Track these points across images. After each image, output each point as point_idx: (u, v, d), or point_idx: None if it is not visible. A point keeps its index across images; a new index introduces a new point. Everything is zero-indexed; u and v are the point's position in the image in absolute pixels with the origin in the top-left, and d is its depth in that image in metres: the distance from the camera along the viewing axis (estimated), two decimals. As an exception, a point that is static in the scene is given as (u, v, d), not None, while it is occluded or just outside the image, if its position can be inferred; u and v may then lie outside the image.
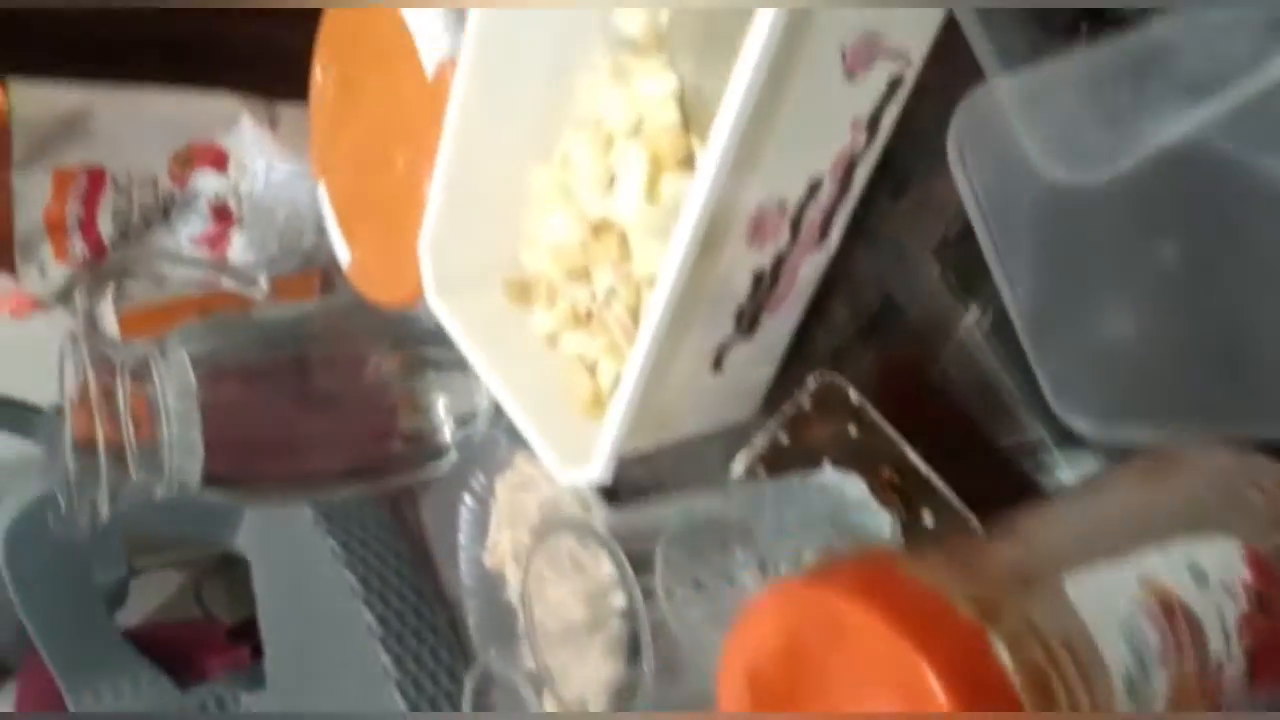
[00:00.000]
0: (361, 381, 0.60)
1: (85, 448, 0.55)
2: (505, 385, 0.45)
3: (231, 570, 1.23)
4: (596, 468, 0.41)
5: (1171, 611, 0.23)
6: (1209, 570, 0.25)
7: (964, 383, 0.44)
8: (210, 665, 1.08)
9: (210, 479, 0.56)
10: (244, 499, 0.69)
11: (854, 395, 0.41)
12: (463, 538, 0.62)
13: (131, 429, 0.55)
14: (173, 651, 1.05)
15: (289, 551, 0.86)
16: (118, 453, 0.54)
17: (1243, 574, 0.25)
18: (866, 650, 0.21)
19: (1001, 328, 0.42)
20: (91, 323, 0.63)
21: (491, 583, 0.61)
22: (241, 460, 0.57)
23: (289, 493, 0.61)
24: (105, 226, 0.64)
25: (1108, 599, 0.23)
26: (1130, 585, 0.24)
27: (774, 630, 0.23)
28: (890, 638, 0.20)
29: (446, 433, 0.63)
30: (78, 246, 0.63)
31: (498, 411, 0.60)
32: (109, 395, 0.55)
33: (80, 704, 0.91)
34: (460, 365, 0.58)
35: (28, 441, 0.87)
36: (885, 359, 0.47)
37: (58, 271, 0.63)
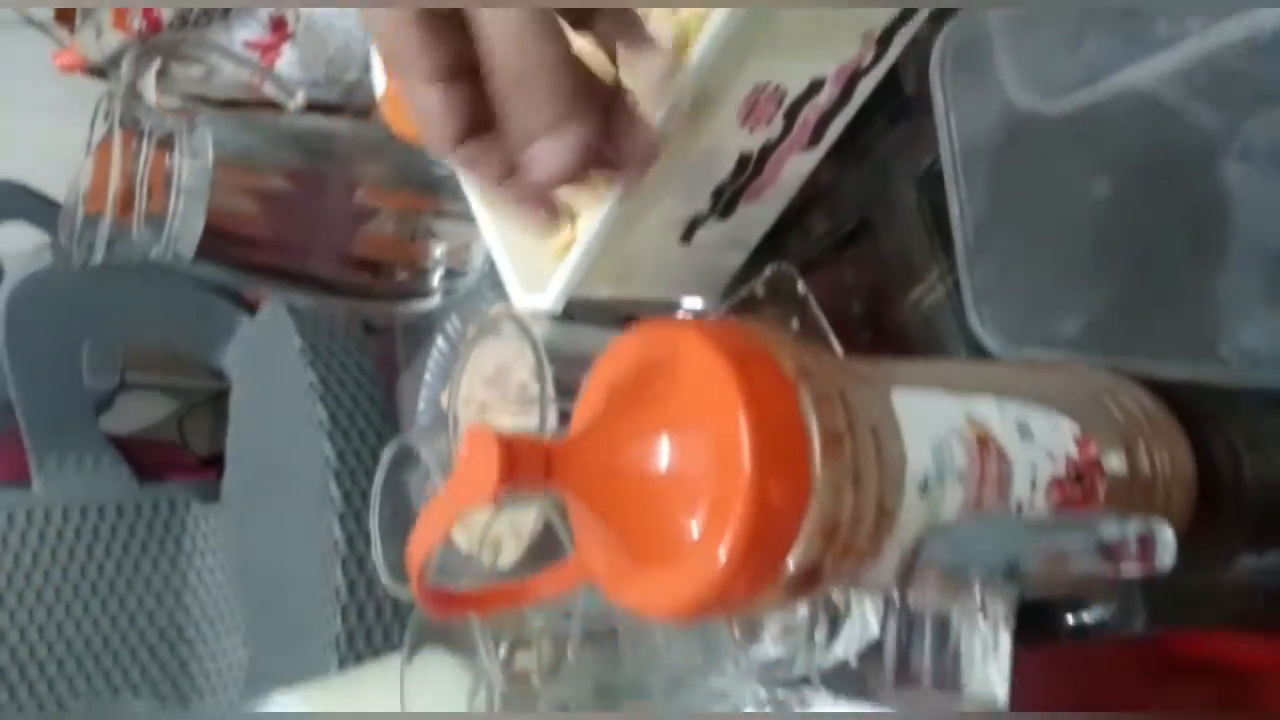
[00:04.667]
0: (366, 206, 0.63)
1: (96, 198, 0.58)
2: (490, 214, 0.48)
3: (217, 408, 1.26)
4: (550, 295, 0.43)
5: (986, 446, 0.26)
6: (1036, 433, 0.27)
7: (917, 326, 0.46)
8: (173, 478, 1.12)
9: (204, 252, 0.59)
10: (229, 279, 0.72)
11: (801, 287, 0.43)
12: (429, 375, 0.65)
13: (144, 189, 0.58)
14: (142, 458, 1.08)
15: (269, 376, 0.89)
16: (125, 207, 0.57)
17: (1069, 449, 0.28)
18: (694, 379, 0.23)
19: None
20: (132, 91, 0.65)
21: (443, 423, 0.64)
22: (237, 244, 0.60)
23: (273, 285, 0.64)
24: (166, 8, 0.66)
25: (929, 416, 0.25)
26: (954, 414, 0.26)
27: (635, 354, 0.25)
28: (711, 367, 0.23)
29: (436, 278, 0.66)
30: (137, 20, 0.66)
31: (490, 269, 0.62)
32: (131, 154, 0.58)
33: (42, 468, 0.95)
34: (465, 218, 0.61)
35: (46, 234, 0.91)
36: (850, 283, 0.49)
37: (113, 37, 0.66)
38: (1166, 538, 0.24)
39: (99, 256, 0.57)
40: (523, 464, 0.22)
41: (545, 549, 0.54)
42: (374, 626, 0.72)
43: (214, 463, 1.19)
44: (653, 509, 0.23)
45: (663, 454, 0.23)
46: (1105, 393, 0.31)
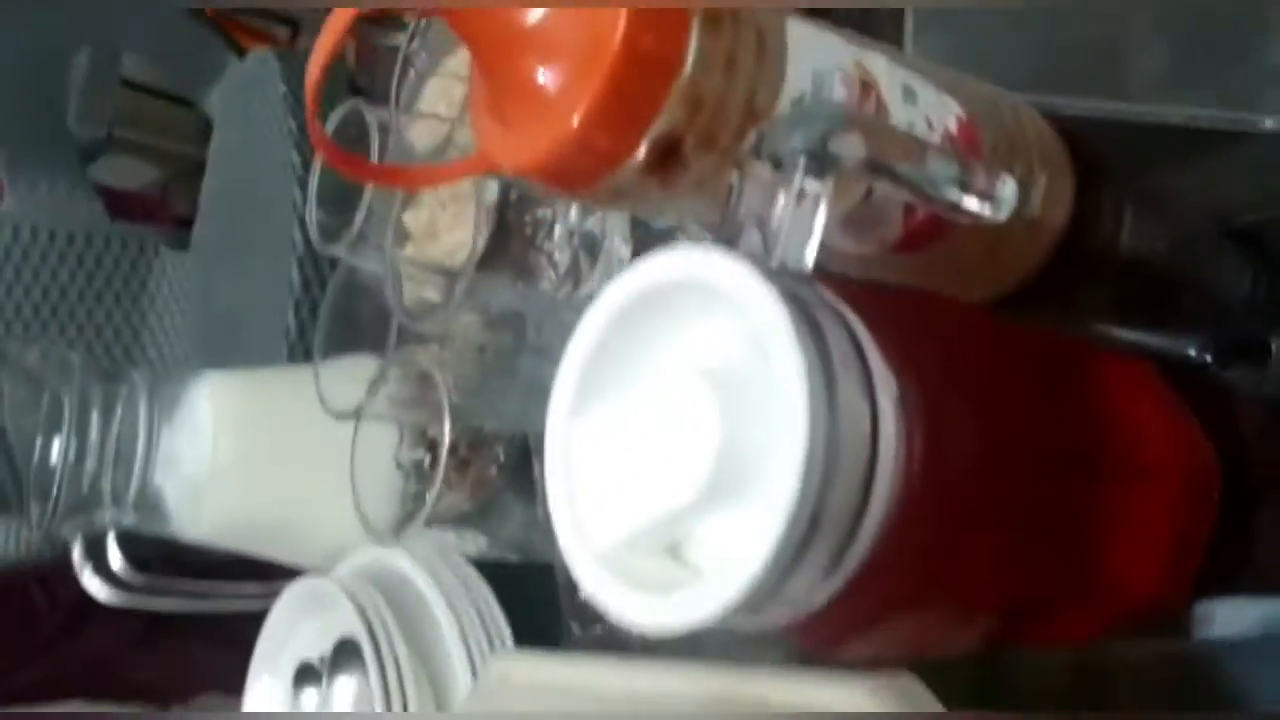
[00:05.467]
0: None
1: None
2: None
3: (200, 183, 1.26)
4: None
5: (867, 91, 0.27)
6: (920, 99, 0.28)
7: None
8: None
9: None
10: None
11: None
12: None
13: None
14: (119, 203, 1.09)
15: (250, 121, 0.89)
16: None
17: (949, 125, 0.29)
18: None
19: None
20: None
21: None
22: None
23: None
24: None
25: (818, 47, 0.26)
26: (844, 55, 0.27)
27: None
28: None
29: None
30: None
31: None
32: None
33: (15, 185, 0.96)
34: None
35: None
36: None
37: None
38: (1010, 187, 0.26)
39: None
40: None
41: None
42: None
43: (191, 223, 1.20)
44: (534, 64, 0.25)
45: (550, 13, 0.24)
46: (1005, 104, 0.32)
